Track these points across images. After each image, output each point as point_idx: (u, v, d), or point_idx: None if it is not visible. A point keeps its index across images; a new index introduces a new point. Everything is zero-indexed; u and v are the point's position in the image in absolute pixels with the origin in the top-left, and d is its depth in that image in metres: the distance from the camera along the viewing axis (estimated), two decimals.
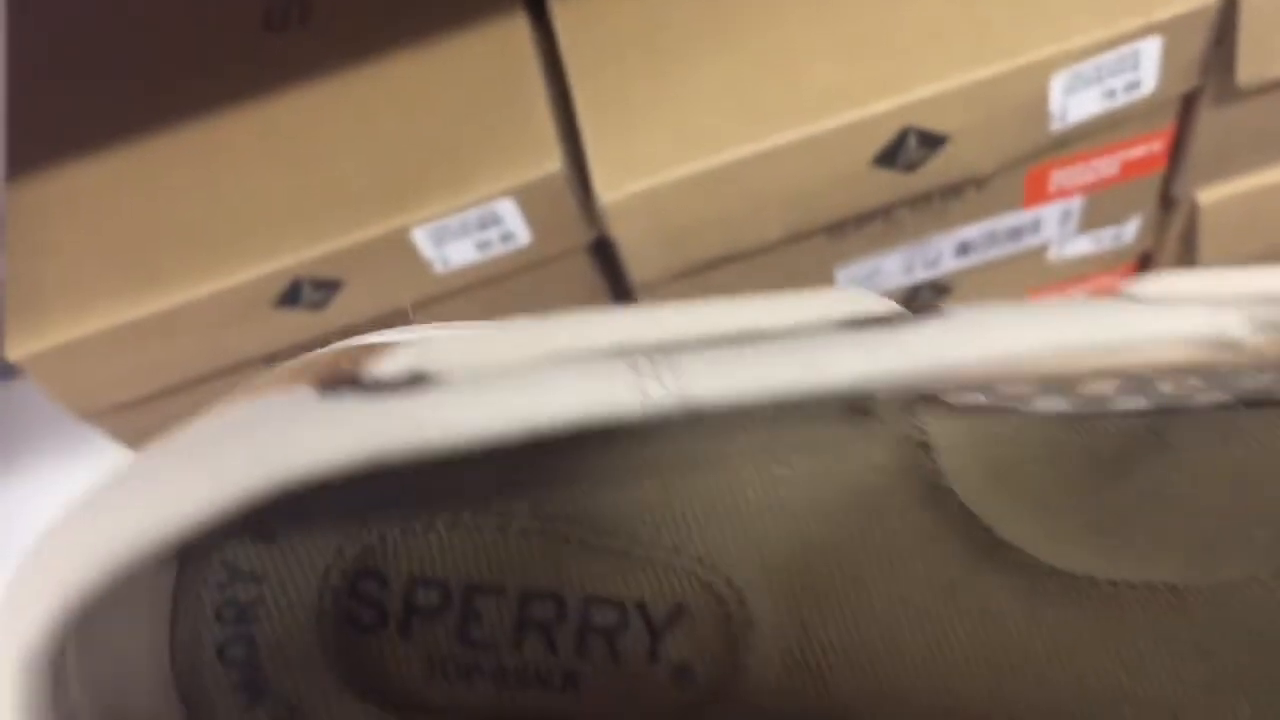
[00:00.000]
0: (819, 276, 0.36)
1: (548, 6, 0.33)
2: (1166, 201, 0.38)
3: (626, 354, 0.13)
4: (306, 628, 0.16)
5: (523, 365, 0.13)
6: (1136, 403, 0.17)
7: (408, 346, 0.13)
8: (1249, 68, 0.30)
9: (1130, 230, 0.38)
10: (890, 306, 0.14)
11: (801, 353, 0.12)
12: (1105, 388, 0.17)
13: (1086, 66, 0.29)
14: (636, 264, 0.33)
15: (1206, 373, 0.15)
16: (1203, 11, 0.29)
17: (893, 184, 0.31)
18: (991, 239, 0.36)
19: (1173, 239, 0.39)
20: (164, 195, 0.32)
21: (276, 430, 0.11)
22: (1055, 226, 0.37)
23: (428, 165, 0.31)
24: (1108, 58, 0.29)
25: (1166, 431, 0.18)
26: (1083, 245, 0.38)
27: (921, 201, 0.33)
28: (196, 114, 0.32)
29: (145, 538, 0.11)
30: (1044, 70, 0.29)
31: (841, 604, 0.17)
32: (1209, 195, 0.37)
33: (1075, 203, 0.36)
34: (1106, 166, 0.35)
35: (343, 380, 0.12)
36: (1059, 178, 0.35)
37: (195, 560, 0.15)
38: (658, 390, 0.12)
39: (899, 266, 0.36)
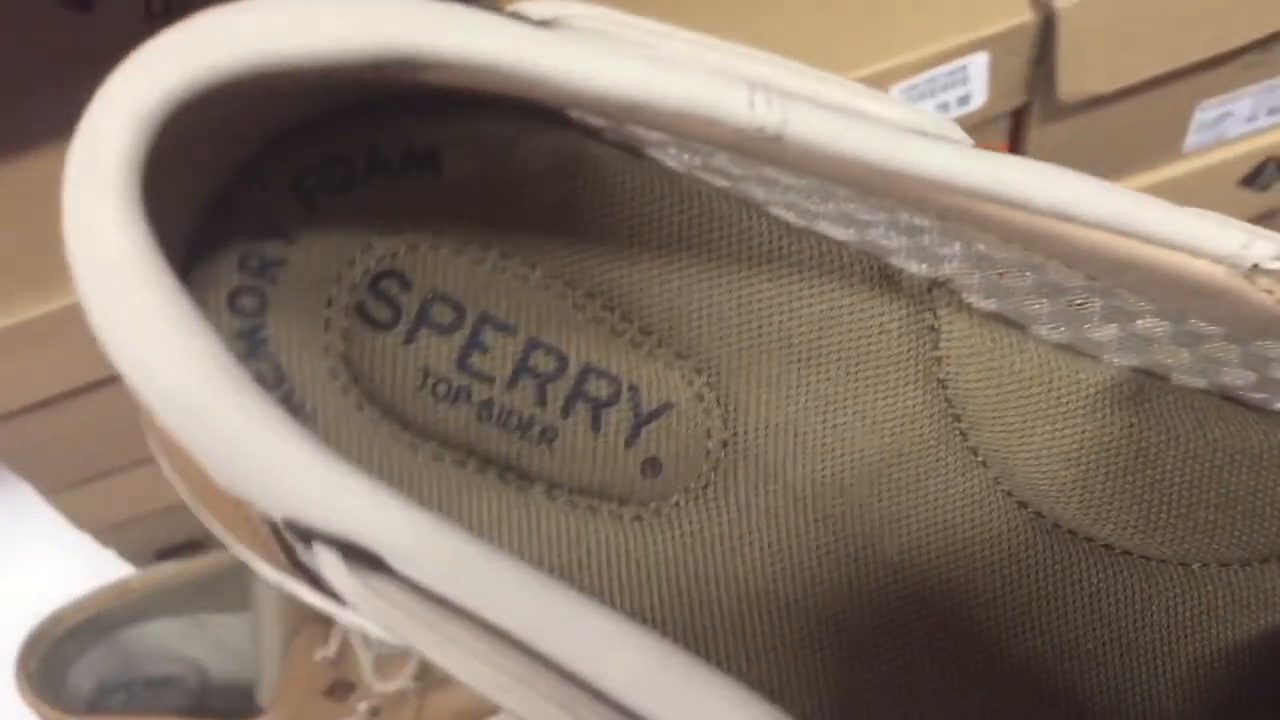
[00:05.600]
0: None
1: None
2: None
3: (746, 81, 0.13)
4: (316, 306, 0.16)
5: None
6: (1129, 359, 0.18)
7: (555, 3, 0.14)
8: (1069, 83, 0.33)
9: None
10: (963, 136, 0.15)
11: (895, 137, 0.14)
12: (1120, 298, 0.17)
13: (920, 80, 0.32)
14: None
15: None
16: (1022, 28, 0.32)
17: None
18: None
19: None
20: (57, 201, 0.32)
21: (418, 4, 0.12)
22: None
23: None
24: (939, 72, 0.32)
25: (1149, 391, 0.18)
26: None
27: None
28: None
29: (275, 49, 0.11)
30: (883, 82, 0.32)
31: (819, 447, 0.18)
32: None
33: None
34: None
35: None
36: None
37: (234, 203, 0.15)
38: (764, 108, 0.13)
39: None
